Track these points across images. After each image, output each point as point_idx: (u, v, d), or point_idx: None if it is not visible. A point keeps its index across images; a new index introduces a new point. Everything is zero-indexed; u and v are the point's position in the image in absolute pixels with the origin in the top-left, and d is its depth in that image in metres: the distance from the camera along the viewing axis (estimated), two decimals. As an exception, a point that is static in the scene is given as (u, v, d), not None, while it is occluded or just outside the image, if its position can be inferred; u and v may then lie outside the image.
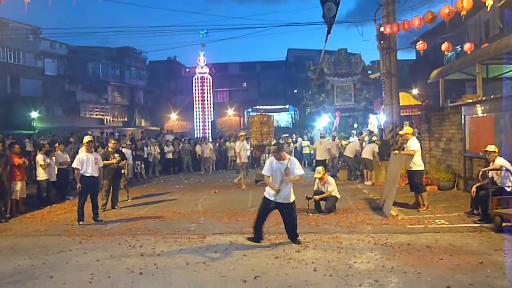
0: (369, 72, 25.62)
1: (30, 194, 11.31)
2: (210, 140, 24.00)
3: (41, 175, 11.05)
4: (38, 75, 36.29)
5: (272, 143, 15.43)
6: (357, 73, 25.43)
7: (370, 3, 14.48)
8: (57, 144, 12.91)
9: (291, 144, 17.93)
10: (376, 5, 14.17)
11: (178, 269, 5.66)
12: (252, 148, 16.18)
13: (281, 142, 20.58)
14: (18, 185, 10.15)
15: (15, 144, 11.17)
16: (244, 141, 14.21)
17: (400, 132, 10.17)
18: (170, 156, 18.91)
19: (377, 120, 20.57)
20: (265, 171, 6.74)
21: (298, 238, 6.72)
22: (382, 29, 13.31)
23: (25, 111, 31.78)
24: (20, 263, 6.18)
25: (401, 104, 14.87)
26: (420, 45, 14.44)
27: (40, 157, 11.05)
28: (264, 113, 16.61)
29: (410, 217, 8.20)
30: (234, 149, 19.80)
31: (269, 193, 6.64)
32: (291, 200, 6.66)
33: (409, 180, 9.19)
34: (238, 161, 14.02)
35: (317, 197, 9.03)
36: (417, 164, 8.91)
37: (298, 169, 6.60)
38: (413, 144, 8.90)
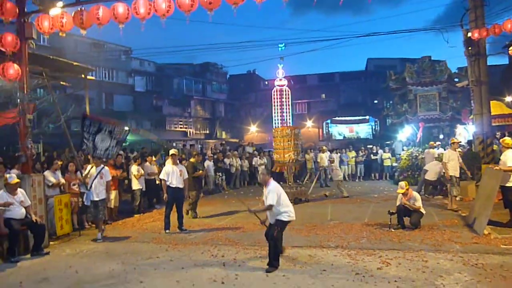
0: (456, 79, 24.18)
1: (121, 202, 12.18)
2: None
3: (136, 184, 11.92)
4: (129, 92, 39.27)
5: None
6: (442, 81, 24.12)
7: (456, 8, 13.79)
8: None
9: (334, 159, 15.85)
10: (462, 10, 13.46)
11: (258, 280, 5.77)
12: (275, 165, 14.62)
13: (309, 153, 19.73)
14: (113, 194, 11.01)
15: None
16: (457, 150, 11.31)
17: (501, 140, 9.44)
18: (259, 165, 19.16)
19: (466, 131, 19.32)
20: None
21: (273, 262, 6.28)
22: (469, 34, 12.58)
23: (117, 125, 34.35)
24: (114, 267, 6.70)
25: (492, 113, 13.86)
26: (514, 50, 13.43)
27: (134, 168, 11.92)
28: (289, 125, 15.12)
29: (504, 236, 7.56)
30: (315, 161, 19.53)
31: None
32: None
33: (503, 196, 8.50)
34: (446, 174, 11.13)
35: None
36: (512, 179, 8.21)
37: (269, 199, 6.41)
38: (510, 159, 8.22)
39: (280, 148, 13.56)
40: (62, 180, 9.71)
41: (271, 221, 6.57)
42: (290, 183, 13.77)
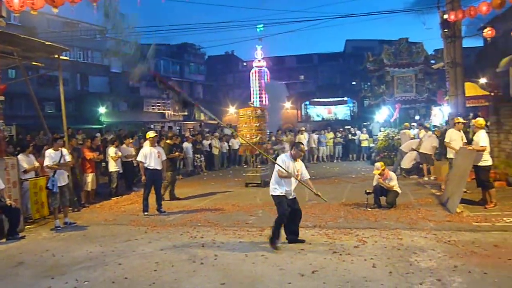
0: (432, 61, 24.47)
1: (98, 185, 12.03)
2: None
3: (113, 167, 11.76)
4: (104, 72, 38.41)
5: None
6: (419, 63, 24.34)
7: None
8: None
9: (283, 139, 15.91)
10: (439, -9, 13.52)
11: (237, 260, 5.82)
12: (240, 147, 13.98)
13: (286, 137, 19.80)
14: (90, 177, 10.86)
15: (88, 139, 12.04)
16: (461, 131, 10.04)
17: (474, 121, 9.53)
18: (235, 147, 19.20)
19: (441, 112, 19.69)
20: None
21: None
22: (446, 16, 12.70)
23: (93, 107, 33.69)
24: (92, 250, 6.65)
25: (467, 95, 14.13)
26: (488, 32, 13.55)
27: (112, 150, 11.76)
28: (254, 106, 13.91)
29: (476, 214, 7.81)
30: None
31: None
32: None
33: (476, 176, 8.75)
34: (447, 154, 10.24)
35: None
36: (485, 159, 8.43)
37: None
38: (482, 139, 8.44)
39: (243, 129, 12.94)
40: (37, 164, 9.48)
41: (292, 194, 6.95)
42: (245, 166, 12.98)
